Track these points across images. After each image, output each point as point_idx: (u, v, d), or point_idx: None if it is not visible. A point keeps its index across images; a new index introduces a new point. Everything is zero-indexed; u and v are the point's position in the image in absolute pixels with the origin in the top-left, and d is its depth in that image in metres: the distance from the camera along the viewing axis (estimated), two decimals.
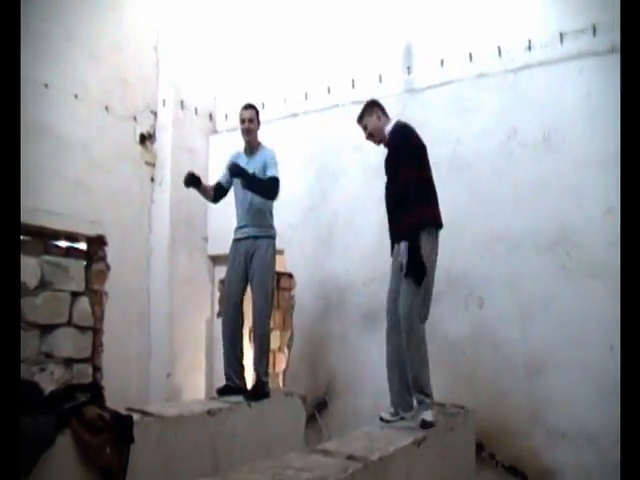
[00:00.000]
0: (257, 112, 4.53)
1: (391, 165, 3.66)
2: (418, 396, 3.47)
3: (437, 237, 3.59)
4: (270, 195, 4.34)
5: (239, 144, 4.64)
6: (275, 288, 6.95)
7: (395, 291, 3.60)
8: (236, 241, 4.44)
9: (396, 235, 3.62)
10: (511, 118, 4.53)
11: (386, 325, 3.67)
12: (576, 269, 4.17)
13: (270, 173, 4.34)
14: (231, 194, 4.60)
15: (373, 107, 3.78)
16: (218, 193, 4.62)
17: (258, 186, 4.30)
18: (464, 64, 4.80)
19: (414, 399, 3.53)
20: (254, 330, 4.38)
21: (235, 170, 4.26)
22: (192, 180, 4.40)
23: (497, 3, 4.74)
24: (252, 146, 4.50)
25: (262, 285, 4.32)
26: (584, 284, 4.12)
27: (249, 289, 4.44)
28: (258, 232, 4.37)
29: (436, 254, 3.58)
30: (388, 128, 3.74)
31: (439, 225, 3.62)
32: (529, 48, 4.54)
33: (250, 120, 4.46)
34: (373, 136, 3.80)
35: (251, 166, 4.39)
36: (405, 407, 3.62)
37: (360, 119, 3.82)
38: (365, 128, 3.79)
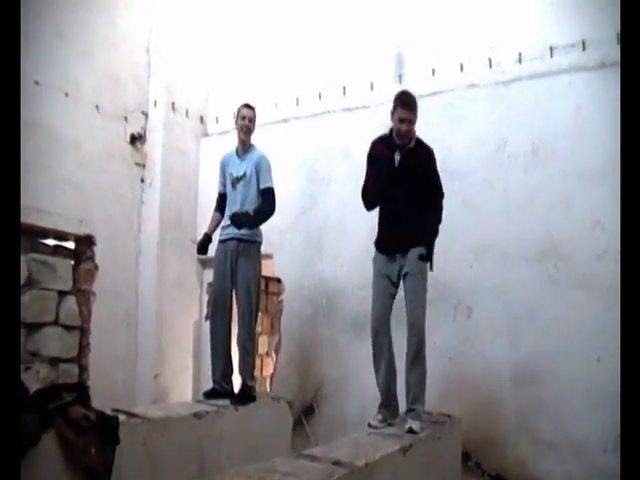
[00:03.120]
0: (255, 114, 4.54)
1: (425, 173, 3.73)
2: (412, 404, 3.53)
3: None
4: (271, 213, 4.37)
5: (230, 147, 4.63)
6: (261, 292, 6.95)
7: (391, 303, 3.70)
8: (221, 242, 4.41)
9: (405, 241, 3.67)
10: (501, 129, 4.58)
11: (377, 338, 3.70)
12: (564, 280, 4.22)
13: (265, 184, 4.36)
14: None
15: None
16: (224, 205, 4.56)
17: (263, 217, 4.34)
18: (455, 74, 4.85)
19: (408, 406, 3.57)
20: (238, 334, 4.36)
21: (238, 220, 4.25)
22: (204, 246, 4.53)
23: (488, 15, 4.79)
24: (246, 146, 4.50)
25: (246, 289, 4.29)
26: (571, 295, 4.16)
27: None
28: (243, 235, 4.33)
29: None
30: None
31: None
32: (519, 61, 4.60)
33: (250, 119, 4.46)
34: (408, 134, 3.69)
35: (243, 166, 4.41)
36: (390, 415, 3.67)
37: (413, 111, 3.66)
38: (410, 122, 3.66)
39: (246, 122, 4.44)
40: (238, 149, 4.53)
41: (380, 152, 3.82)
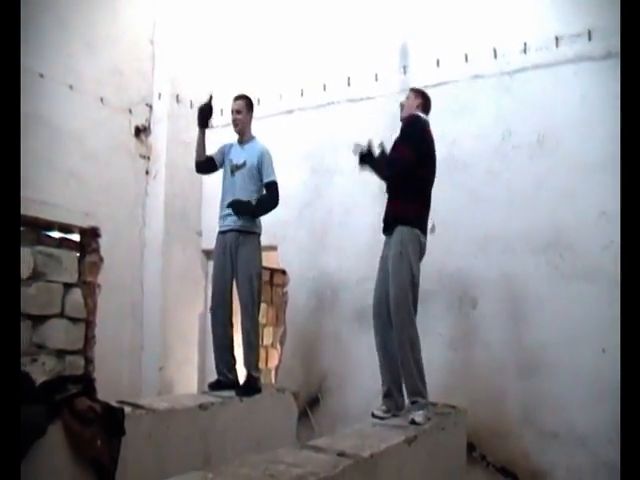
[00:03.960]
0: (249, 103, 4.51)
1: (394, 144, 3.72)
2: (412, 395, 3.50)
3: (424, 244, 3.68)
4: (274, 206, 4.37)
5: (234, 139, 4.63)
6: (266, 283, 6.97)
7: (383, 290, 3.65)
8: (221, 233, 4.41)
9: (386, 221, 3.68)
10: (506, 120, 4.56)
11: (374, 324, 3.71)
12: (569, 271, 4.20)
13: (268, 178, 4.35)
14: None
15: (422, 96, 3.93)
16: (206, 165, 4.56)
17: (265, 208, 4.35)
18: (460, 65, 4.82)
19: (407, 398, 3.55)
20: (241, 325, 4.35)
21: (239, 208, 4.25)
22: (206, 111, 4.42)
23: (493, 5, 4.75)
24: (242, 138, 4.50)
25: (248, 280, 4.28)
26: (577, 286, 4.15)
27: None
28: (241, 226, 4.31)
29: (419, 262, 3.64)
30: None
31: (425, 234, 3.70)
32: (524, 51, 4.57)
33: (237, 111, 4.45)
34: (402, 109, 3.93)
35: (243, 155, 4.40)
36: (394, 407, 3.66)
37: (411, 89, 4.05)
38: (407, 98, 3.95)
39: (233, 116, 4.46)
40: (239, 140, 4.54)
41: None
